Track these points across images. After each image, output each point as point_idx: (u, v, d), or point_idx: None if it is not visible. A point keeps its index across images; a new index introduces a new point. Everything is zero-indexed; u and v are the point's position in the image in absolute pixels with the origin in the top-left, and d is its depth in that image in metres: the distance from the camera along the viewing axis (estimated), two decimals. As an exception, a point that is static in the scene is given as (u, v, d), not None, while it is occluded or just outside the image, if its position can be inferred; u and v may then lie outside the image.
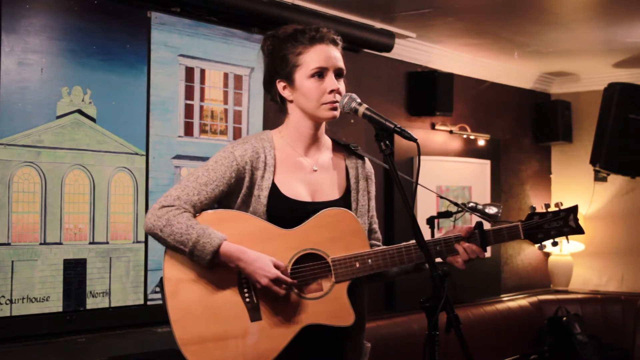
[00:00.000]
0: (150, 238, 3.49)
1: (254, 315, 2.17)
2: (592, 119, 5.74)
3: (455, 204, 2.46)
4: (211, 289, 2.17)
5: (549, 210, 2.30)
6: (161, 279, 2.21)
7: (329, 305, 2.23)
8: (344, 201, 2.33)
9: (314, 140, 2.34)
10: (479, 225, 2.29)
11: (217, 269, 2.16)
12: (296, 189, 2.27)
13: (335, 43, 2.31)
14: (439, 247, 2.29)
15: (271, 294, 2.15)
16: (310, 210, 2.25)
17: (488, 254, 5.71)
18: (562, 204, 2.32)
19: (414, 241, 2.23)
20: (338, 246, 2.24)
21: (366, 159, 2.43)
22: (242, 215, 2.20)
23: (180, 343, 2.14)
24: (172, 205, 2.15)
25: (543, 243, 2.31)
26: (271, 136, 2.31)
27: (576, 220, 2.31)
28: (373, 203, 2.41)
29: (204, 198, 2.18)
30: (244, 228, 2.18)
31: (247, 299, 2.18)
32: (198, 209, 2.18)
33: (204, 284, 2.17)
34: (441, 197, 2.54)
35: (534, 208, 2.32)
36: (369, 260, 2.24)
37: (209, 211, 2.20)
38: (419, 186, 2.30)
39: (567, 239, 2.34)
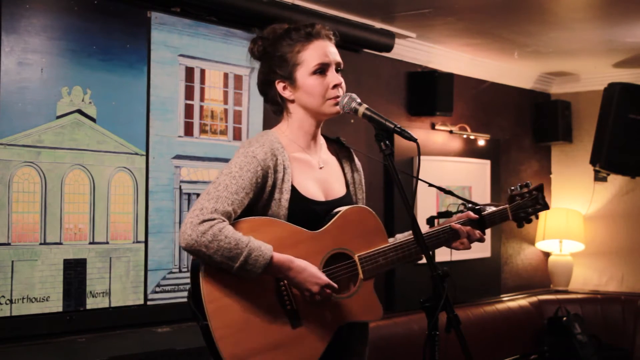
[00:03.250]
0: (150, 238, 3.50)
1: (295, 322, 2.17)
2: (592, 119, 5.74)
3: (458, 197, 2.55)
4: (250, 301, 2.13)
5: (523, 191, 2.54)
6: (193, 295, 2.14)
7: (359, 302, 2.27)
8: (348, 196, 2.38)
9: (315, 138, 2.35)
10: (478, 211, 2.45)
11: (253, 280, 2.12)
12: (311, 189, 2.28)
13: (330, 38, 2.31)
14: (446, 234, 2.40)
15: (309, 299, 2.16)
16: (326, 209, 2.28)
17: (488, 254, 5.71)
18: (530, 183, 2.57)
19: (427, 230, 2.38)
20: (362, 243, 2.29)
21: (352, 152, 2.49)
22: (271, 220, 2.19)
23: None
24: (213, 219, 2.06)
25: (523, 222, 2.54)
26: (277, 136, 2.28)
27: (543, 197, 2.56)
28: (365, 194, 2.49)
29: (237, 207, 2.12)
30: (275, 234, 2.16)
31: (288, 307, 2.17)
32: (232, 219, 2.12)
33: (243, 297, 2.13)
34: (444, 191, 2.60)
35: (513, 189, 2.55)
36: (391, 254, 2.32)
37: (241, 220, 2.15)
38: (419, 186, 2.33)
39: (538, 216, 2.58)
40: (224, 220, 2.08)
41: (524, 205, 2.53)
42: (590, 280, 6.37)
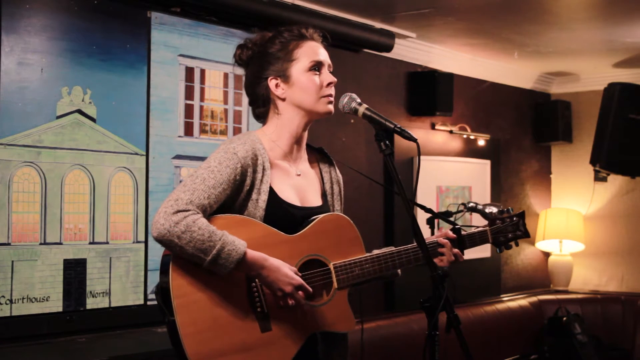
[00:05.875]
0: (150, 238, 3.50)
1: (265, 326, 2.13)
2: (592, 119, 5.74)
3: (442, 218, 2.55)
4: (220, 300, 2.09)
5: (504, 216, 2.52)
6: (161, 290, 2.10)
7: (332, 312, 2.23)
8: (325, 206, 2.35)
9: (299, 143, 2.32)
10: (457, 230, 2.42)
11: (225, 278, 2.08)
12: (289, 193, 2.25)
13: (321, 41, 2.31)
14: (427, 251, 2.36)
15: (281, 302, 2.13)
16: (303, 215, 2.25)
17: (488, 254, 5.71)
18: (512, 209, 2.54)
19: (405, 246, 2.34)
20: (338, 252, 2.26)
21: (334, 163, 2.46)
22: (247, 220, 2.15)
23: (192, 359, 2.04)
24: (188, 210, 2.03)
25: (502, 247, 2.53)
26: (260, 138, 2.26)
27: (524, 224, 2.55)
28: (343, 207, 2.45)
29: (213, 201, 2.09)
30: (250, 233, 2.12)
31: (258, 309, 2.13)
32: (207, 213, 2.08)
33: (213, 295, 2.08)
34: (440, 217, 2.59)
35: (493, 214, 2.53)
36: (367, 266, 2.28)
37: (216, 216, 2.11)
38: (419, 186, 2.32)
39: (517, 242, 2.55)
40: (198, 213, 2.04)
41: (504, 229, 2.52)
42: (590, 280, 6.37)
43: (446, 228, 2.48)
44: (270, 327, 2.13)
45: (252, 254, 2.07)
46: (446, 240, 2.40)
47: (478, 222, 2.61)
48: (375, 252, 2.34)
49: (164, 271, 2.09)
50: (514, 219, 2.53)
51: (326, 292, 2.24)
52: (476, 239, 2.49)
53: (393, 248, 2.36)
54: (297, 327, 2.17)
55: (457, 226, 2.45)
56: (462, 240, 2.44)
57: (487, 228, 2.51)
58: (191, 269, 2.07)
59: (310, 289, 2.16)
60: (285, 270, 2.11)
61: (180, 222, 2.01)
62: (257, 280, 2.13)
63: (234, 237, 2.06)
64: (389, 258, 2.32)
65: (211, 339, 2.06)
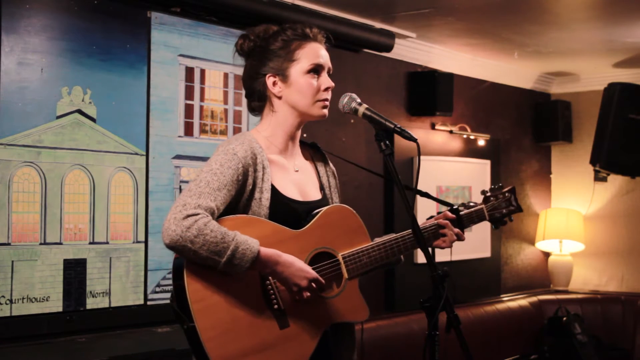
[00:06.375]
0: (150, 238, 3.50)
1: (283, 323, 2.13)
2: (592, 119, 5.74)
3: (448, 204, 2.58)
4: (237, 301, 2.08)
5: (496, 193, 2.62)
6: (177, 295, 2.07)
7: (346, 302, 2.25)
8: (324, 199, 2.36)
9: (293, 139, 2.33)
10: (456, 211, 2.50)
11: (239, 278, 2.08)
12: (290, 189, 2.27)
13: (324, 42, 2.31)
14: (427, 234, 2.44)
15: (297, 297, 2.14)
16: (305, 210, 2.26)
17: (488, 254, 5.71)
18: (502, 185, 2.65)
19: (407, 230, 2.37)
20: (344, 242, 2.28)
21: (327, 156, 2.48)
22: (254, 219, 2.16)
23: None
24: (197, 214, 2.00)
25: (498, 223, 2.62)
26: (255, 137, 2.26)
27: (516, 199, 2.64)
28: (340, 199, 2.47)
29: (220, 204, 2.08)
30: (258, 232, 2.12)
31: (275, 306, 2.13)
32: (215, 216, 2.07)
33: (229, 297, 2.07)
34: (438, 201, 2.62)
35: (486, 191, 2.62)
36: (374, 253, 2.32)
37: (224, 218, 2.10)
38: (419, 185, 2.34)
39: (512, 218, 2.65)
40: (208, 216, 2.03)
41: (498, 205, 2.60)
42: (590, 280, 6.37)
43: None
44: (288, 323, 2.14)
45: (266, 251, 2.08)
46: (446, 221, 2.46)
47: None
48: (377, 239, 2.37)
49: (177, 276, 2.07)
50: (506, 194, 2.62)
51: (337, 284, 2.25)
52: (474, 217, 2.57)
53: (394, 234, 2.38)
54: (313, 322, 2.18)
55: (454, 206, 2.51)
56: (461, 220, 2.51)
57: (483, 205, 2.58)
58: (205, 272, 2.06)
59: (324, 282, 2.17)
60: (300, 265, 2.12)
61: (192, 226, 1.99)
62: (270, 277, 2.13)
63: (246, 237, 2.05)
64: (394, 243, 2.35)
65: (232, 340, 2.06)
